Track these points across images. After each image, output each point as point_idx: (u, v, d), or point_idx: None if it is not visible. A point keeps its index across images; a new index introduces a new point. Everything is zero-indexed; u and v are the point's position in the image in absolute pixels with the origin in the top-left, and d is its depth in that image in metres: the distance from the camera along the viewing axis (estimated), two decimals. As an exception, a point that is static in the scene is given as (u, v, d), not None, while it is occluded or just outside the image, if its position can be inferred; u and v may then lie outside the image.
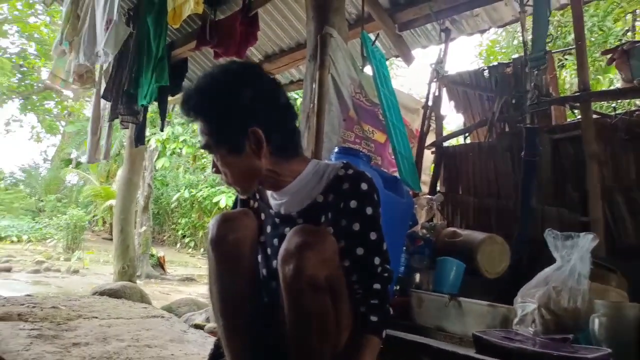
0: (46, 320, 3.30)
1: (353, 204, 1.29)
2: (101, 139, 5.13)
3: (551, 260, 1.65)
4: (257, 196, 1.50)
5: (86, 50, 4.21)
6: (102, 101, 4.79)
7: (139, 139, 4.65)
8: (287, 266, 1.19)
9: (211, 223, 1.39)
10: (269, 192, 1.45)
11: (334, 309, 1.22)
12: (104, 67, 4.71)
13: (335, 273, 1.23)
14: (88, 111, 15.29)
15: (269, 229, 1.44)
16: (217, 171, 1.36)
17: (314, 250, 1.18)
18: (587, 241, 1.56)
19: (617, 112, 2.22)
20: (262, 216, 1.48)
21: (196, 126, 1.35)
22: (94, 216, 14.01)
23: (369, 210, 1.30)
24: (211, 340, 3.28)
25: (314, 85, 2.67)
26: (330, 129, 2.69)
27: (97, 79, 4.99)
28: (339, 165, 1.36)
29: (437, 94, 3.12)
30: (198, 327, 3.72)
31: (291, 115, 1.39)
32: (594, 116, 2.26)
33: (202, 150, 1.37)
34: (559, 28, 7.41)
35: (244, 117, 1.29)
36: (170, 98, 4.71)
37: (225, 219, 1.37)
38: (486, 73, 2.88)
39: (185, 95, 1.33)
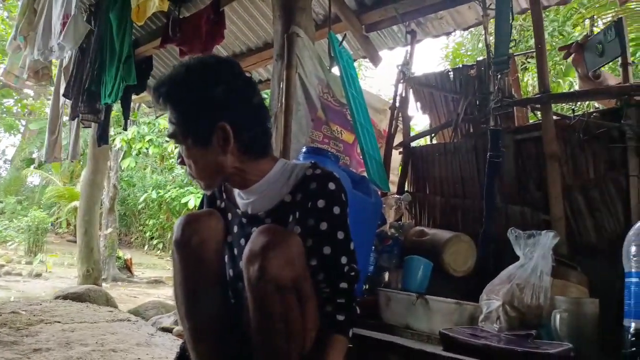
0: (5, 325, 3.18)
1: (321, 203, 1.30)
2: (64, 138, 4.97)
3: (515, 258, 1.70)
4: (224, 195, 1.49)
5: (40, 45, 4.07)
6: (62, 99, 4.64)
7: (102, 138, 4.54)
8: (251, 267, 1.18)
9: (175, 224, 1.37)
10: (236, 191, 1.44)
11: (299, 309, 1.22)
12: (64, 64, 4.56)
13: (300, 273, 1.23)
14: (49, 109, 14.82)
15: (235, 229, 1.43)
16: (182, 162, 1.35)
17: (278, 250, 1.17)
18: (548, 239, 1.61)
19: (575, 113, 2.28)
20: (229, 216, 1.47)
21: (165, 115, 1.34)
22: (57, 218, 13.59)
23: (336, 210, 1.31)
24: (179, 343, 3.23)
25: (281, 85, 2.66)
26: (298, 128, 2.68)
27: (55, 76, 4.84)
28: (307, 164, 1.37)
29: (403, 94, 3.16)
30: (166, 330, 3.66)
31: (263, 115, 1.39)
32: (554, 117, 2.33)
33: (169, 139, 1.36)
34: (522, 32, 7.62)
35: (213, 111, 1.28)
36: (134, 97, 4.62)
37: (189, 221, 1.36)
38: (451, 75, 2.93)
39: (158, 82, 1.32)
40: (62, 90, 4.48)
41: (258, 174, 1.37)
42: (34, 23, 4.20)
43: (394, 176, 3.16)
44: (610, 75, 2.43)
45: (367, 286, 2.28)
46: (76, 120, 4.45)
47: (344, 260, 1.31)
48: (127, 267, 9.31)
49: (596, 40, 2.19)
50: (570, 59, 2.32)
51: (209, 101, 1.28)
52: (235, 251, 1.41)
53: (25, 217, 11.45)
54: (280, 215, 1.35)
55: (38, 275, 7.90)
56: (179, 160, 1.36)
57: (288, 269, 1.18)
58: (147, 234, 14.04)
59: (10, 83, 4.92)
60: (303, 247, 1.24)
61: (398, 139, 3.15)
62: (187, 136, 1.30)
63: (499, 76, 2.34)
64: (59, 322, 3.50)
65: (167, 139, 1.41)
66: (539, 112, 2.38)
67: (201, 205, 1.58)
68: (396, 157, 3.17)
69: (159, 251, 13.58)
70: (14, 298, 5.36)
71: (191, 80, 1.29)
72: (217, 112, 1.28)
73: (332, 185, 1.32)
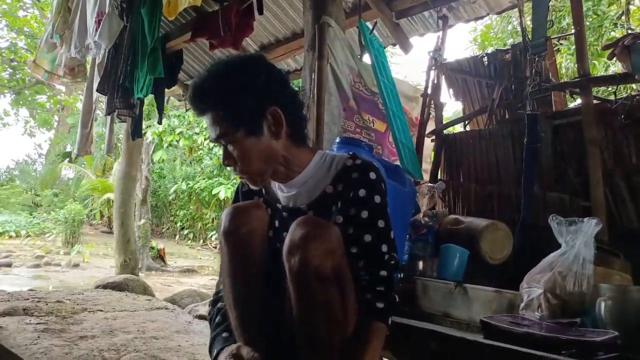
0: (52, 314, 3.32)
1: (362, 192, 1.32)
2: (93, 132, 5.09)
3: (553, 246, 1.67)
4: (263, 191, 1.51)
5: (77, 43, 4.16)
6: (95, 94, 4.75)
7: (136, 132, 4.63)
8: (292, 258, 1.20)
9: (223, 215, 1.39)
10: (275, 186, 1.47)
11: (341, 298, 1.24)
12: (98, 60, 4.67)
13: (340, 263, 1.24)
14: (81, 105, 15.18)
15: (277, 223, 1.45)
16: (230, 162, 1.35)
17: (318, 241, 1.19)
18: (590, 226, 1.58)
19: (617, 96, 2.22)
20: (269, 211, 1.48)
21: (206, 119, 1.33)
22: (91, 210, 13.99)
23: (377, 199, 1.33)
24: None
25: (313, 76, 2.67)
26: (330, 119, 2.69)
27: (89, 72, 4.95)
28: (346, 155, 1.39)
29: (435, 81, 3.12)
30: (202, 317, 3.75)
31: (301, 102, 1.42)
32: (594, 101, 2.27)
33: (214, 143, 1.36)
34: (554, 12, 7.39)
35: (261, 97, 1.31)
36: (166, 90, 4.69)
37: (238, 212, 1.37)
38: (485, 60, 2.88)
39: (196, 84, 1.32)
40: (95, 86, 4.58)
41: (300, 165, 1.39)
42: (69, 21, 4.30)
43: (427, 164, 3.14)
44: None
45: (401, 275, 2.28)
46: (111, 115, 4.55)
47: (384, 248, 1.33)
48: (160, 256, 9.54)
49: None
50: (615, 58, 2.23)
51: (256, 88, 1.30)
52: (278, 245, 1.43)
53: (62, 209, 11.84)
54: (322, 207, 1.37)
55: (76, 266, 8.19)
56: (225, 162, 1.35)
57: (328, 259, 1.20)
58: (178, 225, 14.32)
59: (39, 76, 5.03)
60: (342, 237, 1.25)
61: (430, 126, 3.12)
62: (239, 128, 1.29)
63: (537, 60, 2.29)
64: (101, 310, 3.63)
65: (214, 142, 1.42)
66: (577, 96, 2.32)
67: (235, 201, 1.58)
68: (429, 145, 3.15)
69: (189, 241, 13.86)
70: (55, 287, 5.58)
71: (234, 72, 1.31)
72: (265, 98, 1.31)
73: (372, 175, 1.34)
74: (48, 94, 15.97)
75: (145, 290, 4.87)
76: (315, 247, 1.18)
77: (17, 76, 14.63)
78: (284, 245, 1.23)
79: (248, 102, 1.29)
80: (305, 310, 1.23)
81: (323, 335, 1.22)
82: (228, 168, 1.40)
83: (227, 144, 1.33)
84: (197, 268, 9.10)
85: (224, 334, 1.40)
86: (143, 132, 7.03)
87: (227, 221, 1.36)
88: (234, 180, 11.57)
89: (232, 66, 1.32)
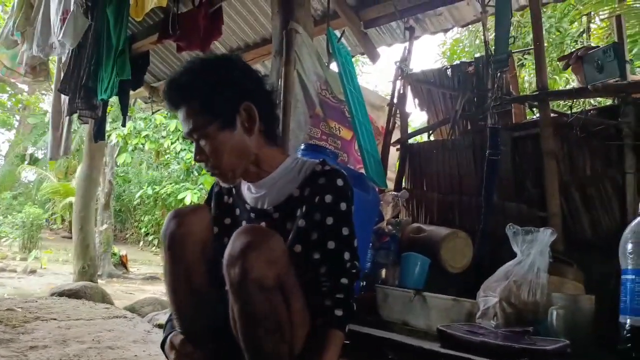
0: (1, 323, 3.17)
1: (328, 198, 1.33)
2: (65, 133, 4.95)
3: (512, 255, 1.70)
4: (234, 191, 1.51)
5: (40, 42, 4.03)
6: (62, 94, 4.61)
7: (99, 134, 4.51)
8: (232, 270, 1.18)
9: (166, 217, 1.42)
10: (244, 187, 1.47)
11: (286, 307, 1.22)
12: (62, 60, 4.53)
13: (284, 271, 1.23)
14: (44, 105, 14.73)
15: (244, 223, 1.44)
16: (202, 158, 1.35)
17: (258, 250, 1.17)
18: (546, 236, 1.62)
19: (573, 110, 2.29)
20: (237, 211, 1.49)
21: (180, 114, 1.34)
22: (52, 214, 13.54)
23: (343, 206, 1.34)
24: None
25: (279, 81, 2.65)
26: (296, 125, 2.68)
27: (55, 71, 4.80)
28: (316, 161, 1.40)
29: (401, 91, 3.16)
30: (162, 326, 3.65)
31: (274, 101, 1.45)
32: (552, 115, 2.34)
33: (188, 137, 1.36)
34: (519, 28, 7.62)
35: (235, 92, 1.33)
36: (131, 92, 4.59)
37: (174, 215, 1.40)
38: (449, 72, 2.93)
39: (172, 78, 1.34)
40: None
41: (271, 165, 1.41)
42: (31, 18, 4.16)
43: (392, 173, 3.17)
44: None
45: (364, 283, 2.28)
46: (70, 116, 4.42)
47: (346, 256, 1.32)
48: (122, 263, 9.30)
49: (595, 57, 2.21)
50: (570, 69, 2.33)
51: (231, 83, 1.32)
52: None
53: (20, 213, 11.41)
54: (288, 210, 1.37)
55: (33, 272, 7.88)
56: (197, 158, 1.36)
57: (270, 268, 1.18)
58: (143, 230, 14.02)
59: None
60: (285, 245, 1.26)
61: (396, 135, 3.15)
62: (212, 122, 1.30)
63: (498, 74, 2.34)
64: (55, 319, 3.49)
65: (187, 138, 1.41)
66: (536, 109, 2.38)
67: (207, 201, 1.58)
68: (394, 153, 3.18)
69: (154, 247, 13.57)
70: (8, 295, 5.35)
71: (209, 67, 1.33)
72: (240, 93, 1.33)
73: (340, 182, 1.35)
74: (10, 92, 15.41)
75: (104, 298, 4.73)
76: (256, 257, 1.16)
77: (-24, 74, 14.06)
78: (224, 257, 1.21)
79: (222, 96, 1.31)
80: (248, 321, 1.21)
81: (268, 346, 1.20)
82: (200, 164, 1.40)
83: (200, 138, 1.33)
84: (160, 275, 8.88)
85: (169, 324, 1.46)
86: (107, 134, 6.87)
87: (166, 224, 1.38)
88: (201, 186, 11.42)
89: (208, 62, 1.35)
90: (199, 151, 1.35)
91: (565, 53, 7.24)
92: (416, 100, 3.14)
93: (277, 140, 1.46)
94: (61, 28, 3.83)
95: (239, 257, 1.17)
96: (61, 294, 4.63)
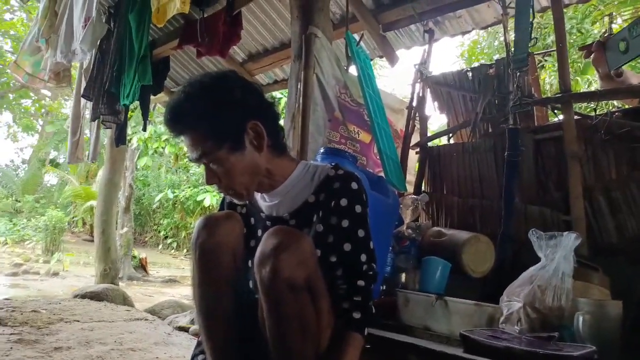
0: (26, 324, 3.23)
1: (343, 202, 1.33)
2: (83, 138, 5.04)
3: (534, 259, 1.68)
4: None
5: (62, 48, 4.12)
6: (82, 100, 4.70)
7: (120, 138, 4.58)
8: (263, 269, 1.19)
9: (196, 225, 1.40)
10: (258, 195, 1.47)
11: (314, 309, 1.23)
12: (84, 66, 4.63)
13: (313, 272, 1.24)
14: (66, 110, 15.03)
15: (259, 232, 1.45)
16: (214, 181, 1.34)
17: (289, 251, 1.18)
18: (570, 240, 1.59)
19: (597, 112, 2.25)
20: (252, 220, 1.49)
21: (185, 140, 1.32)
22: (73, 217, 13.79)
23: (358, 209, 1.34)
24: (195, 342, 3.26)
25: (299, 86, 2.66)
26: (315, 129, 2.68)
27: (76, 77, 4.90)
28: (329, 166, 1.41)
29: (421, 94, 3.14)
30: (182, 329, 3.69)
31: (277, 112, 1.43)
32: (575, 117, 2.30)
33: (195, 164, 1.35)
34: (539, 30, 7.53)
35: (241, 112, 1.31)
36: (152, 97, 4.66)
37: (207, 223, 1.37)
38: (469, 74, 2.91)
39: (172, 106, 1.30)
40: (82, 92, 4.53)
41: (283, 175, 1.40)
42: (55, 26, 4.26)
43: (411, 176, 3.15)
44: (633, 74, 2.39)
45: (384, 287, 2.27)
46: (96, 121, 4.50)
47: (363, 258, 1.33)
48: (142, 266, 9.41)
49: (619, 37, 2.15)
50: (591, 60, 2.28)
51: (234, 104, 1.30)
52: None
53: (43, 216, 11.63)
54: (304, 216, 1.38)
55: (55, 274, 8.02)
56: (209, 182, 1.35)
57: (300, 269, 1.19)
58: (162, 233, 14.17)
59: (19, 77, 4.95)
60: (314, 247, 1.25)
61: (415, 138, 3.14)
62: (222, 145, 1.28)
63: (519, 75, 2.31)
64: (78, 320, 3.55)
65: (195, 163, 1.41)
66: (559, 111, 2.35)
67: (221, 209, 1.59)
68: (413, 157, 3.16)
69: (173, 250, 13.71)
70: (32, 297, 5.45)
71: (210, 90, 1.30)
72: (244, 113, 1.31)
73: (354, 185, 1.35)
74: (33, 97, 15.76)
75: (125, 301, 4.78)
76: (287, 258, 1.17)
77: (2, 79, 14.41)
78: (255, 256, 1.22)
79: (228, 119, 1.29)
80: (277, 321, 1.22)
81: (296, 346, 1.21)
82: (212, 186, 1.38)
83: (210, 162, 1.31)
84: (179, 278, 8.98)
85: (200, 357, 1.42)
86: (128, 138, 6.97)
87: (197, 232, 1.36)
88: (220, 189, 11.47)
89: (207, 85, 1.31)
90: (211, 175, 1.33)
91: (587, 53, 7.15)
92: (436, 103, 3.12)
93: (286, 149, 1.45)
94: (82, 35, 3.91)
95: (270, 257, 1.18)
96: (83, 296, 4.70)
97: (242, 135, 1.31)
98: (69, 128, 4.94)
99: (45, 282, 7.25)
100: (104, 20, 4.03)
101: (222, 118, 1.28)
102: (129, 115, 4.91)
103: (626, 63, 2.08)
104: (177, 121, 1.30)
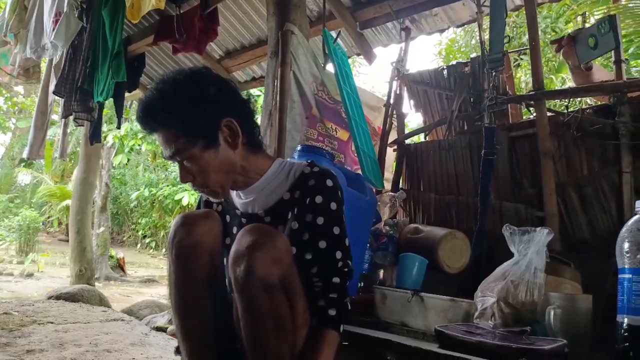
0: (-3, 327, 3.15)
1: (318, 199, 1.33)
2: (54, 136, 4.93)
3: (509, 255, 1.70)
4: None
5: (32, 43, 4.02)
6: (51, 96, 4.58)
7: (95, 136, 4.49)
8: (237, 267, 1.18)
9: (172, 223, 1.37)
10: (234, 193, 1.46)
11: (289, 307, 1.23)
12: (55, 61, 4.51)
13: (288, 271, 1.23)
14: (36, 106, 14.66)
15: (235, 230, 1.44)
16: (189, 179, 1.33)
17: (264, 249, 1.17)
18: (542, 236, 1.61)
19: (569, 110, 2.29)
20: (228, 218, 1.48)
21: (158, 137, 1.30)
22: (49, 217, 13.49)
23: (333, 206, 1.34)
24: (173, 342, 3.22)
25: (275, 82, 2.65)
26: (292, 126, 2.68)
27: (44, 73, 4.78)
28: (304, 163, 1.40)
29: (398, 92, 3.16)
30: (160, 329, 3.64)
31: (252, 108, 1.42)
32: (548, 114, 2.34)
33: (169, 161, 1.33)
34: (515, 28, 7.65)
35: (215, 109, 1.29)
36: (127, 94, 4.58)
37: (184, 222, 1.35)
38: (445, 72, 2.93)
39: (146, 104, 1.28)
40: (52, 88, 4.42)
41: (258, 172, 1.39)
42: (25, 20, 4.15)
43: (389, 173, 3.17)
44: (600, 68, 2.45)
45: (362, 284, 2.28)
46: (65, 119, 4.40)
47: (338, 255, 1.33)
48: (119, 266, 9.25)
49: (589, 33, 2.20)
50: (561, 53, 2.33)
51: (208, 101, 1.28)
52: None
53: (17, 216, 11.35)
54: (279, 213, 1.37)
55: (30, 275, 7.83)
56: (184, 180, 1.33)
57: (275, 267, 1.18)
58: (140, 233, 13.97)
59: None
60: (290, 245, 1.25)
61: (392, 136, 3.15)
62: (195, 143, 1.27)
63: (494, 73, 2.34)
64: (52, 322, 3.47)
65: (169, 160, 1.39)
66: (533, 109, 2.39)
67: (198, 207, 1.58)
68: (391, 154, 3.18)
69: (151, 250, 13.53)
70: (5, 298, 5.32)
71: (183, 87, 1.28)
72: (219, 110, 1.30)
73: (329, 182, 1.35)
74: (5, 95, 15.34)
75: (101, 301, 4.70)
76: (261, 256, 1.16)
77: (-28, 77, 13.99)
78: (230, 255, 1.21)
79: (202, 116, 1.27)
80: (252, 320, 1.21)
81: (271, 345, 1.20)
82: (187, 184, 1.37)
83: (184, 160, 1.30)
84: (158, 278, 8.87)
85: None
86: (103, 135, 6.84)
87: (174, 230, 1.34)
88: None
89: (180, 81, 1.29)
90: (185, 173, 1.32)
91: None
92: (411, 101, 3.14)
93: (261, 146, 1.43)
94: (53, 29, 3.81)
95: (244, 255, 1.17)
96: (58, 297, 4.60)
97: (216, 132, 1.29)
98: (32, 123, 4.77)
99: (19, 284, 7.07)
100: (76, 15, 3.94)
101: (195, 115, 1.26)
102: (105, 113, 4.82)
103: (595, 58, 2.12)
104: (149, 118, 1.29)
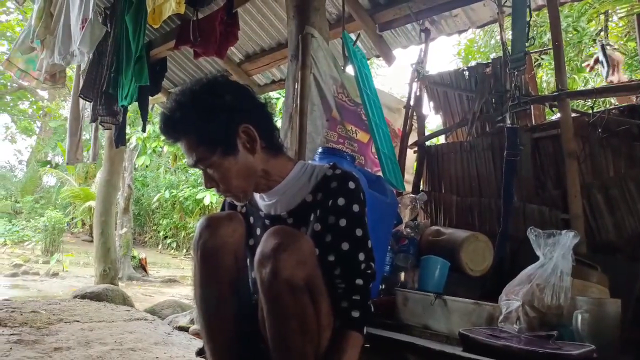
0: (26, 324, 3.23)
1: (341, 201, 1.34)
2: (82, 139, 5.04)
3: (532, 258, 1.68)
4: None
5: (61, 50, 4.11)
6: (81, 101, 4.69)
7: (120, 139, 4.58)
8: (263, 269, 1.20)
9: (197, 225, 1.40)
10: (257, 195, 1.48)
11: (314, 308, 1.24)
12: (82, 67, 4.61)
13: (313, 272, 1.24)
14: (63, 111, 14.99)
15: (258, 231, 1.47)
16: (212, 184, 1.36)
17: (289, 251, 1.19)
18: (568, 238, 1.59)
19: (594, 110, 2.26)
20: (251, 219, 1.51)
21: (181, 147, 1.34)
22: (72, 218, 13.76)
23: (355, 208, 1.35)
24: (196, 342, 3.26)
25: (296, 86, 2.67)
26: (313, 129, 2.69)
27: (74, 78, 4.89)
28: (326, 166, 1.41)
29: (418, 93, 3.15)
30: (182, 329, 3.69)
31: (270, 111, 1.44)
32: (573, 114, 2.31)
33: (195, 167, 1.37)
34: (535, 28, 7.53)
35: (231, 117, 1.32)
36: (150, 98, 4.66)
37: (209, 224, 1.37)
38: (466, 73, 2.91)
39: (165, 115, 1.33)
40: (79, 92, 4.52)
41: (280, 174, 1.41)
42: (51, 27, 4.24)
43: (409, 175, 3.15)
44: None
45: (383, 286, 2.28)
46: (93, 123, 4.50)
47: (361, 257, 1.33)
48: (141, 266, 9.39)
49: None
50: (585, 56, 2.29)
51: (225, 109, 1.31)
52: None
53: (42, 217, 11.61)
54: (302, 215, 1.39)
55: (55, 275, 8.02)
56: (208, 185, 1.37)
57: (300, 269, 1.20)
58: (161, 234, 14.15)
59: (11, 73, 4.93)
60: (314, 247, 1.26)
61: (413, 138, 3.14)
62: (215, 151, 1.30)
63: (516, 74, 2.32)
64: (78, 321, 3.55)
65: (192, 167, 1.43)
66: (556, 109, 2.35)
67: (222, 209, 1.60)
68: (411, 156, 3.16)
69: (172, 250, 13.69)
70: (32, 297, 5.45)
71: (200, 98, 1.31)
72: (235, 117, 1.32)
73: (351, 185, 1.36)
74: (31, 99, 15.71)
75: (125, 301, 4.78)
76: (286, 258, 1.18)
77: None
78: (255, 256, 1.23)
79: (219, 124, 1.30)
80: (277, 321, 1.23)
81: (296, 346, 1.21)
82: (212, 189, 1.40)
83: (206, 167, 1.34)
84: (179, 278, 8.97)
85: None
86: (127, 138, 6.96)
87: (199, 232, 1.36)
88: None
89: (197, 91, 1.33)
90: (208, 179, 1.36)
91: (584, 52, 7.16)
92: (431, 103, 3.12)
93: (282, 148, 1.45)
94: (80, 36, 3.90)
95: (270, 257, 1.18)
96: (83, 296, 4.70)
97: (234, 139, 1.32)
98: (67, 129, 4.92)
99: (44, 283, 7.24)
100: (100, 21, 4.02)
101: (212, 124, 1.29)
102: (128, 116, 4.91)
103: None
104: (170, 130, 1.33)
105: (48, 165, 14.74)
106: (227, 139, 1.31)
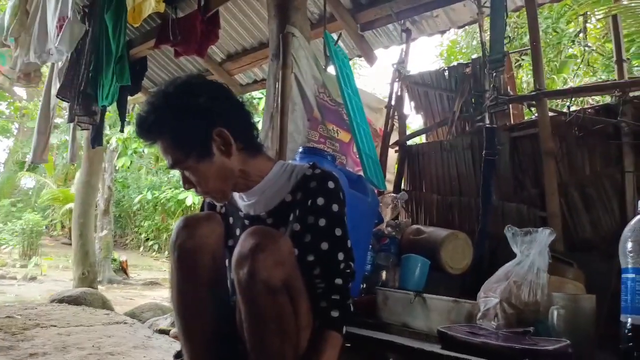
0: (0, 330, 3.15)
1: (320, 201, 1.33)
2: (59, 140, 4.94)
3: (512, 255, 1.70)
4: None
5: (37, 48, 4.02)
6: (53, 100, 4.59)
7: (96, 140, 4.50)
8: (241, 270, 1.18)
9: (174, 225, 1.38)
10: (236, 195, 1.47)
11: (292, 308, 1.23)
12: (59, 66, 4.52)
13: (291, 273, 1.23)
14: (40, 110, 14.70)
15: (238, 231, 1.45)
16: (190, 186, 1.35)
17: (267, 251, 1.18)
18: (545, 236, 1.61)
19: (570, 109, 2.29)
20: (231, 220, 1.49)
21: (157, 148, 1.32)
22: (51, 220, 13.52)
23: (335, 207, 1.34)
24: (176, 345, 3.22)
25: (277, 85, 2.66)
26: (294, 128, 2.68)
27: (47, 77, 4.78)
28: (306, 165, 1.40)
29: (399, 93, 3.16)
30: (163, 332, 3.64)
31: (247, 111, 1.42)
32: (550, 114, 2.34)
33: (172, 169, 1.35)
34: (516, 29, 7.63)
35: (205, 121, 1.29)
36: (130, 97, 4.60)
37: (186, 224, 1.36)
38: (446, 73, 2.93)
39: (140, 118, 1.30)
40: (54, 91, 4.43)
41: (259, 174, 1.40)
42: (26, 25, 4.15)
43: (390, 175, 3.17)
44: None
45: (364, 285, 2.27)
46: (71, 123, 4.41)
47: (340, 256, 1.33)
48: (122, 269, 9.28)
49: None
50: (564, 57, 2.32)
51: (198, 112, 1.28)
52: None
53: (20, 220, 11.38)
54: (281, 215, 1.38)
55: (33, 279, 7.86)
56: (186, 186, 1.35)
57: (278, 270, 1.19)
58: (143, 236, 14.00)
59: None
60: (293, 247, 1.25)
61: (394, 137, 3.15)
62: (189, 155, 1.29)
63: (495, 74, 2.34)
64: (55, 325, 3.48)
65: (170, 169, 1.41)
66: (534, 109, 2.38)
67: (202, 210, 1.59)
68: (392, 155, 3.18)
69: (154, 252, 13.55)
70: (8, 302, 5.33)
71: (174, 100, 1.29)
72: (209, 120, 1.30)
73: (331, 184, 1.35)
74: (8, 100, 15.40)
75: (104, 304, 4.70)
76: (264, 258, 1.17)
77: (-26, 82, 14.02)
78: (233, 257, 1.21)
79: (192, 129, 1.28)
80: (255, 323, 1.22)
81: (274, 347, 1.21)
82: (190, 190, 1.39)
83: (183, 170, 1.33)
84: (161, 280, 8.88)
85: None
86: (106, 138, 6.86)
87: (176, 232, 1.35)
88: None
89: (171, 94, 1.30)
90: (186, 180, 1.34)
91: (563, 53, 7.28)
92: (412, 103, 3.14)
93: (261, 148, 1.44)
94: (57, 35, 3.82)
95: (248, 258, 1.17)
96: (61, 300, 4.61)
97: (209, 143, 1.30)
98: (35, 127, 4.77)
99: (22, 287, 7.09)
100: (79, 20, 3.95)
101: (185, 129, 1.27)
102: (106, 116, 4.84)
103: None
104: (145, 132, 1.31)
105: (26, 168, 14.44)
106: (201, 143, 1.29)
